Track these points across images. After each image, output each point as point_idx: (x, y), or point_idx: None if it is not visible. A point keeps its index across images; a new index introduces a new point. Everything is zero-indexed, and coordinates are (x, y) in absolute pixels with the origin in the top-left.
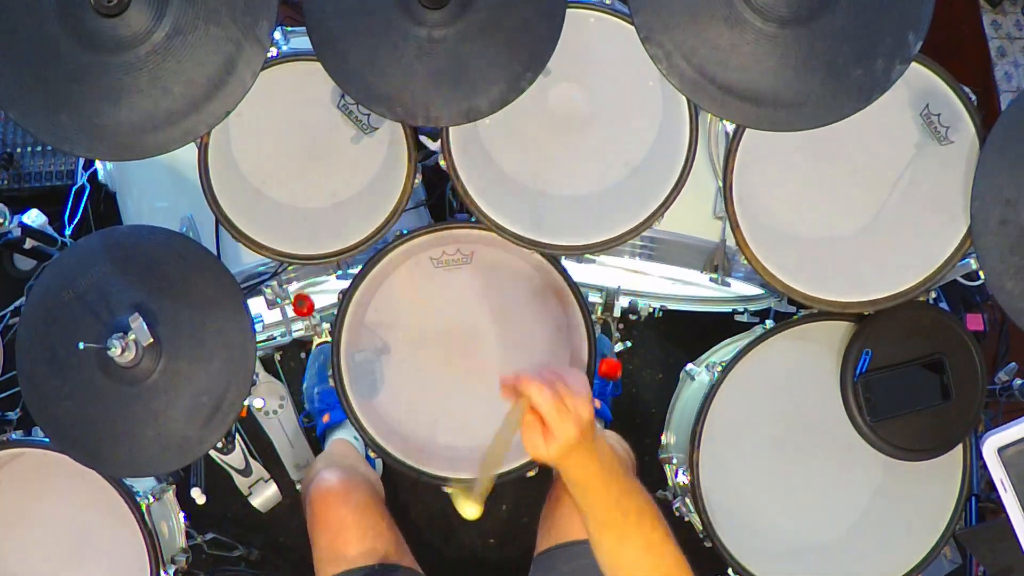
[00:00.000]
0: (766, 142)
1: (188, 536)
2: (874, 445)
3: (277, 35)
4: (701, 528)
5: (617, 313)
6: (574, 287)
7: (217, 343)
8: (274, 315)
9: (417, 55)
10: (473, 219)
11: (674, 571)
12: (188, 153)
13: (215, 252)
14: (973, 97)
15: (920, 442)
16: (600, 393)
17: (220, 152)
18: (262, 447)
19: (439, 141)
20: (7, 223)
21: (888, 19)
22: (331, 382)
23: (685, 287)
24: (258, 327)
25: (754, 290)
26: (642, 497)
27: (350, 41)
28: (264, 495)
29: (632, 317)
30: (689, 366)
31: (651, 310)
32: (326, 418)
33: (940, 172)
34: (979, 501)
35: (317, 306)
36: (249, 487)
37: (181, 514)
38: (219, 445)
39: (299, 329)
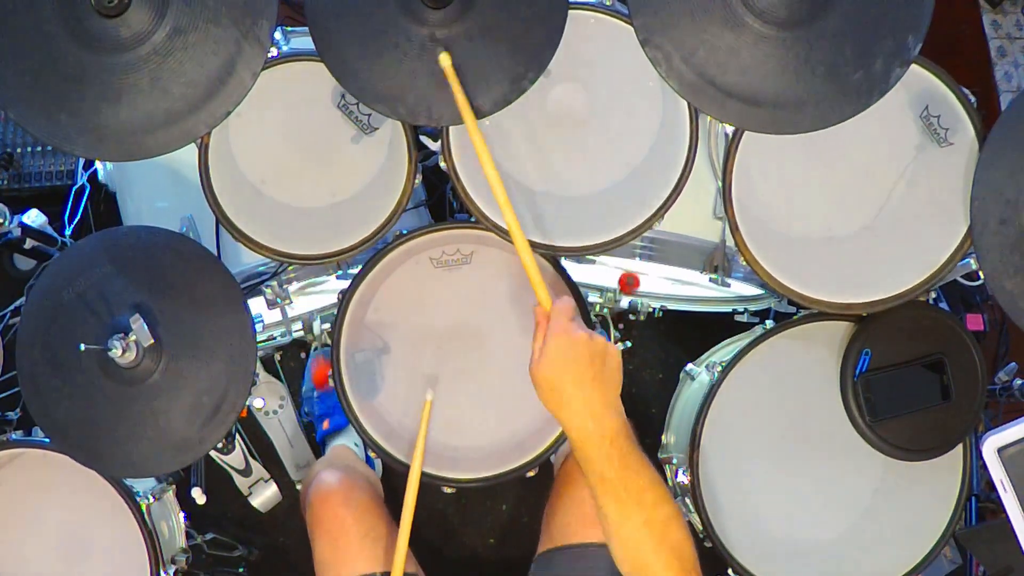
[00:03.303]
0: (766, 143)
1: (188, 536)
2: (874, 445)
3: (277, 35)
4: (701, 528)
5: (623, 305)
6: (574, 287)
7: (217, 343)
8: (274, 315)
9: (419, 55)
10: (473, 219)
11: (680, 551)
12: (188, 153)
13: (215, 252)
14: (973, 99)
15: (920, 442)
16: None
17: (220, 152)
18: (262, 447)
19: (439, 141)
20: (7, 223)
21: (888, 21)
22: (331, 382)
23: (685, 287)
24: (258, 327)
25: (754, 290)
26: (647, 476)
27: (352, 41)
28: (264, 495)
29: (632, 317)
30: (689, 366)
31: (651, 310)
32: (326, 424)
33: (940, 173)
34: (979, 501)
35: (317, 306)
36: (249, 487)
37: (181, 514)
38: (219, 445)
39: (299, 329)
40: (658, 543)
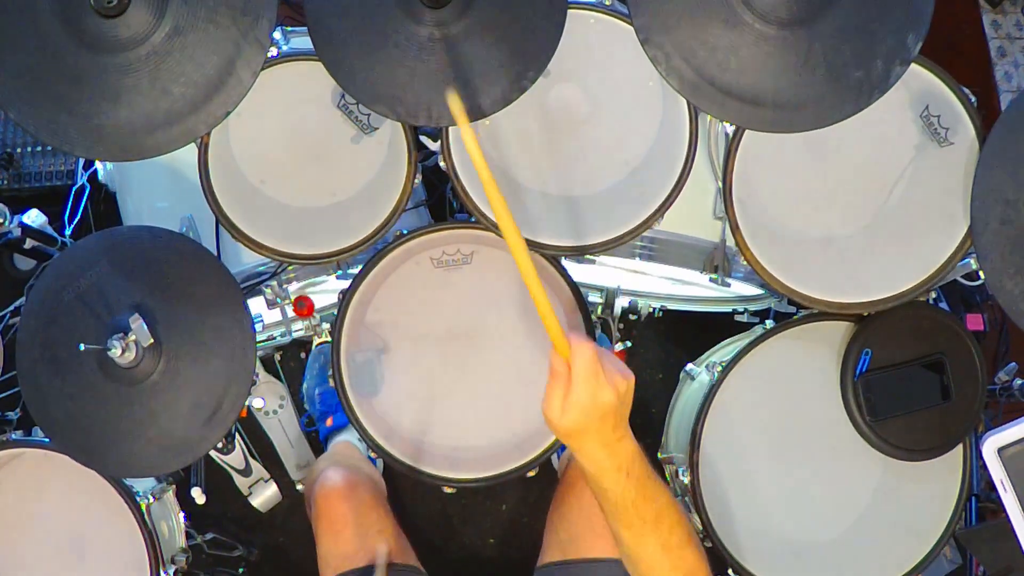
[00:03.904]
0: (766, 143)
1: (188, 536)
2: (874, 445)
3: (277, 35)
4: (701, 528)
5: (618, 312)
6: (574, 287)
7: (217, 343)
8: (274, 315)
9: (418, 55)
10: (473, 219)
11: (692, 573)
12: (188, 153)
13: (215, 252)
14: (973, 99)
15: (920, 442)
16: None
17: (220, 152)
18: (262, 447)
19: (439, 141)
20: (7, 223)
21: (888, 20)
22: (331, 382)
23: (685, 287)
24: (258, 327)
25: (754, 290)
26: (662, 500)
27: (351, 41)
28: (264, 495)
29: (632, 317)
30: (689, 366)
31: (651, 310)
32: (329, 422)
33: (940, 173)
34: (979, 501)
35: (317, 306)
36: (249, 487)
37: (181, 514)
38: (219, 445)
39: (299, 329)
40: (673, 566)
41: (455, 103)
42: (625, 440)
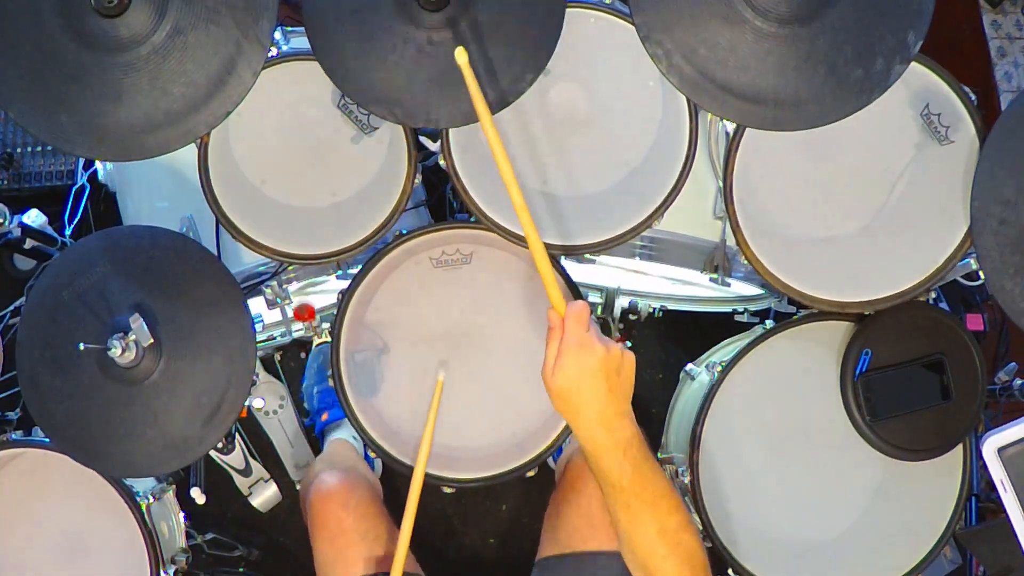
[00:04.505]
0: (766, 142)
1: (188, 536)
2: (874, 445)
3: (277, 35)
4: (701, 528)
5: (617, 313)
6: (574, 287)
7: (217, 343)
8: (274, 315)
9: (417, 57)
10: (473, 219)
11: (691, 559)
12: (188, 153)
13: (215, 252)
14: (973, 97)
15: (920, 442)
16: None
17: (220, 152)
18: (262, 447)
19: (439, 141)
20: (7, 223)
21: (888, 19)
22: (330, 382)
23: (685, 287)
24: (258, 327)
25: (754, 290)
26: (660, 485)
27: (350, 43)
28: (264, 495)
29: (632, 317)
30: (689, 366)
31: (651, 310)
32: (324, 416)
33: (940, 172)
34: (979, 501)
35: (317, 306)
36: (249, 487)
37: (181, 514)
38: (219, 445)
39: (299, 329)
40: (670, 550)
41: (462, 57)
42: (624, 420)
